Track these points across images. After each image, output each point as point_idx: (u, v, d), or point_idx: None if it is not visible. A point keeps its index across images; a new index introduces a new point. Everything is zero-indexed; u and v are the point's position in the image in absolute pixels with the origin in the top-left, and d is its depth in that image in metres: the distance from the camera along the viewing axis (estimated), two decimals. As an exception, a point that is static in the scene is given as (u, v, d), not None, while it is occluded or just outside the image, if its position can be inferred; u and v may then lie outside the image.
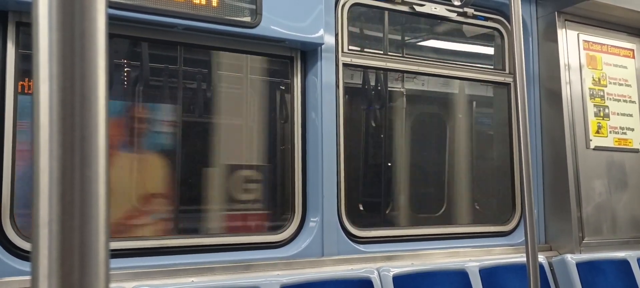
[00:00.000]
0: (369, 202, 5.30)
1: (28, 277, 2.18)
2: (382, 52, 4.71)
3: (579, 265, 4.24)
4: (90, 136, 0.63)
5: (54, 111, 0.63)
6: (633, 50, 5.01)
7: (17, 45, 3.01)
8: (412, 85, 5.44)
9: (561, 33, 4.62)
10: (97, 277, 0.62)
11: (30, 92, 3.28)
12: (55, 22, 0.64)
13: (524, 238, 2.56)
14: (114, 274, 2.87)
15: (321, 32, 3.65)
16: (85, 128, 0.63)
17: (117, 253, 3.01)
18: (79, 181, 0.62)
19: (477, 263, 3.96)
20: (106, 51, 0.66)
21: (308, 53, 3.78)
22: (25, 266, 2.82)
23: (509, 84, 4.63)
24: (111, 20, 0.69)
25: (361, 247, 3.78)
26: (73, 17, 0.64)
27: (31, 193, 0.63)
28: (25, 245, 2.88)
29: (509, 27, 4.35)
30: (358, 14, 4.46)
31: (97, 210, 0.63)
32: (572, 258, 4.27)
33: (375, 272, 3.55)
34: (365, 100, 5.02)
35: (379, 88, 5.02)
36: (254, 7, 3.44)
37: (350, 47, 3.98)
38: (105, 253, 0.64)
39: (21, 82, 3.11)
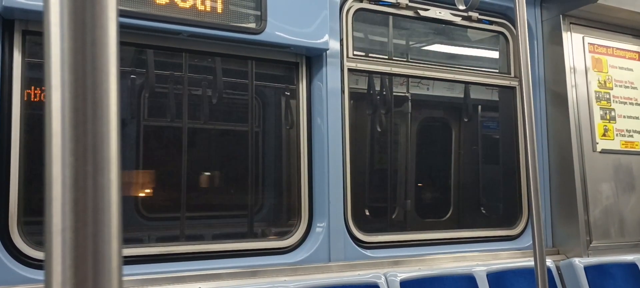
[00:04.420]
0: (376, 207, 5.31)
1: (36, 285, 2.19)
2: (387, 57, 4.71)
3: (587, 268, 4.22)
4: (102, 143, 0.63)
5: (66, 119, 0.63)
6: (639, 52, 4.99)
7: (24, 54, 3.02)
8: (417, 89, 5.44)
9: (566, 36, 4.61)
10: (110, 284, 0.62)
11: (36, 100, 3.30)
12: (67, 31, 0.64)
13: (531, 242, 2.55)
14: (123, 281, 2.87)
15: (326, 37, 3.66)
16: (97, 135, 0.63)
17: (125, 260, 3.01)
18: (92, 188, 0.62)
19: (485, 268, 3.95)
20: (117, 59, 0.66)
21: (313, 59, 3.78)
22: (33, 274, 2.82)
23: (515, 87, 4.62)
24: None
25: (368, 252, 3.77)
26: (84, 25, 0.64)
27: (44, 201, 0.63)
28: (33, 253, 2.89)
29: (514, 30, 4.36)
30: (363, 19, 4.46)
31: (110, 218, 0.63)
32: (580, 262, 4.25)
33: (382, 277, 3.54)
34: (371, 105, 5.03)
35: (384, 93, 5.02)
36: (258, 13, 3.44)
37: (355, 53, 3.99)
38: (118, 260, 0.64)
39: (28, 91, 3.13)
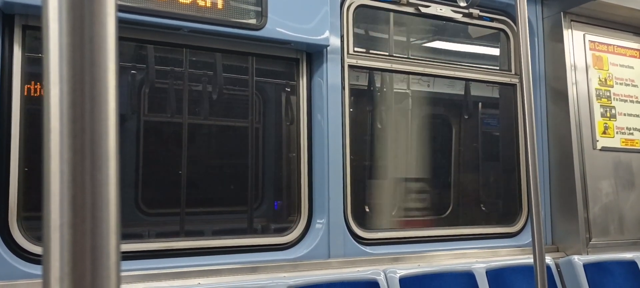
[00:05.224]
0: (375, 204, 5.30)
1: (36, 280, 2.19)
2: (387, 54, 4.71)
3: (586, 266, 4.23)
4: (100, 139, 0.63)
5: (65, 114, 0.63)
6: (639, 50, 4.99)
7: (24, 49, 3.02)
8: (417, 86, 5.44)
9: (567, 33, 4.60)
10: (108, 279, 0.62)
11: (36, 95, 3.30)
12: (66, 26, 0.64)
13: (530, 240, 2.55)
14: (122, 276, 2.87)
15: (327, 33, 3.65)
16: (95, 131, 0.63)
17: (124, 256, 3.01)
18: (90, 184, 0.62)
19: (484, 265, 3.95)
20: (116, 54, 0.66)
21: (314, 55, 3.78)
22: (32, 269, 2.82)
23: (515, 84, 4.62)
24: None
25: (367, 249, 3.78)
26: (83, 20, 0.64)
27: (42, 196, 0.63)
28: (33, 248, 2.89)
29: (515, 27, 4.36)
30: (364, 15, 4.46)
31: (108, 213, 0.63)
32: (579, 260, 4.25)
33: (382, 274, 3.55)
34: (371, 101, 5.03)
35: (385, 89, 5.02)
36: (259, 9, 3.44)
37: (356, 49, 3.98)
38: (117, 256, 0.64)
39: (28, 85, 3.12)
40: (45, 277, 0.62)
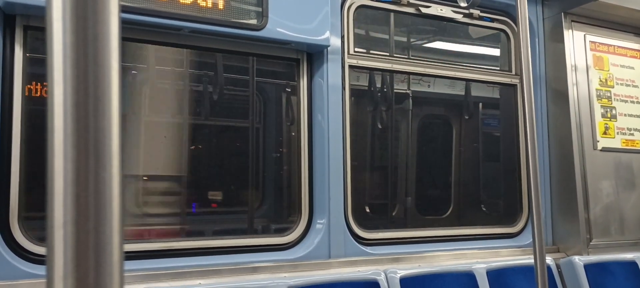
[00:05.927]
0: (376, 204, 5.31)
1: (37, 280, 2.19)
2: (388, 54, 4.71)
3: (587, 266, 4.23)
4: (104, 138, 0.63)
5: (68, 114, 0.63)
6: (640, 50, 4.99)
7: (25, 49, 3.02)
8: (418, 87, 5.44)
9: (568, 34, 4.60)
10: (111, 278, 0.62)
11: (37, 95, 3.30)
12: (69, 25, 0.64)
13: (531, 240, 2.55)
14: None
15: (327, 34, 3.65)
16: (99, 130, 0.63)
17: (125, 256, 3.01)
18: (93, 183, 0.62)
19: (485, 265, 3.95)
20: (119, 54, 0.66)
21: (314, 55, 3.78)
22: (33, 269, 2.83)
23: (516, 85, 4.62)
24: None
25: (368, 249, 3.78)
26: (86, 20, 0.64)
27: (46, 195, 0.63)
28: (34, 248, 2.89)
29: (515, 28, 4.35)
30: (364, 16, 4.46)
31: (111, 212, 0.63)
32: (580, 260, 4.25)
33: (382, 274, 3.55)
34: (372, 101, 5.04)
35: (385, 90, 5.02)
36: (260, 9, 3.44)
37: (356, 49, 3.98)
38: (120, 255, 0.64)
39: (28, 86, 3.12)
40: (49, 274, 0.62)
